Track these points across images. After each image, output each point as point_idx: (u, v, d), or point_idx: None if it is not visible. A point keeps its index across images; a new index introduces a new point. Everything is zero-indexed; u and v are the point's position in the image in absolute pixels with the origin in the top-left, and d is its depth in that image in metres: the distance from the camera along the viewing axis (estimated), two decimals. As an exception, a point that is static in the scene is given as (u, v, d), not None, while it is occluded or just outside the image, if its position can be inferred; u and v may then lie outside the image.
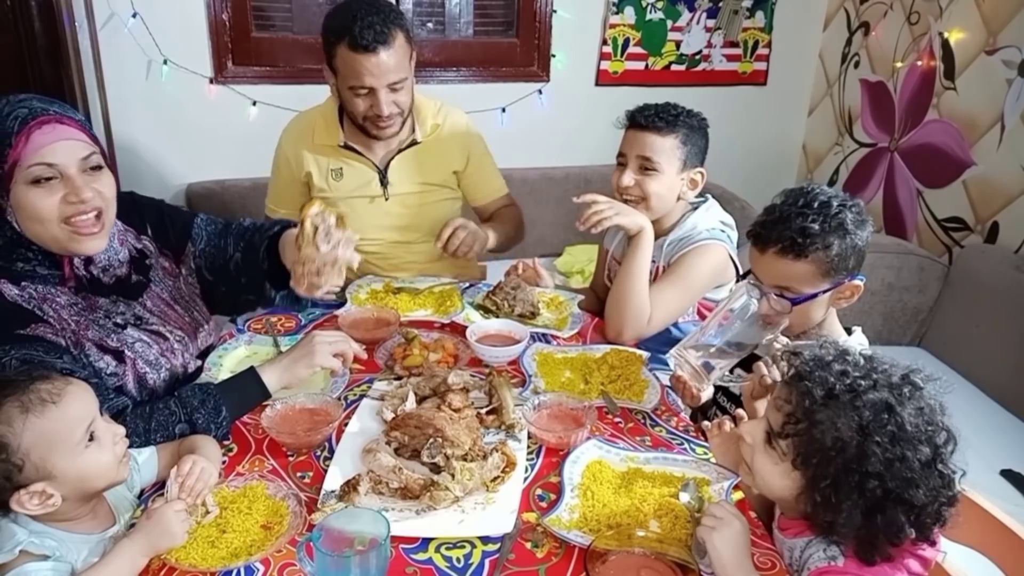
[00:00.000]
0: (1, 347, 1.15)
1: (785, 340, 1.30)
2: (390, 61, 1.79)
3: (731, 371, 1.39)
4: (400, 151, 2.01)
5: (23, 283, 1.23)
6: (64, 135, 1.20)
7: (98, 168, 1.25)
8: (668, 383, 1.48)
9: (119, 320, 1.34)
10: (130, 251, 1.42)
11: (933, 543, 0.97)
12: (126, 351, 1.32)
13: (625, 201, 1.74)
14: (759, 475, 1.04)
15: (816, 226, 1.29)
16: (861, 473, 0.92)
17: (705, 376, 1.32)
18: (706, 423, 1.25)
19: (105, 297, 1.34)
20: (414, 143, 2.01)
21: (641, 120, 1.72)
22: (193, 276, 1.55)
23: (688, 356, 1.32)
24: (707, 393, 1.36)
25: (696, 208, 1.80)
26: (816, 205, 1.31)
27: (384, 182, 2.01)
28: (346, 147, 1.98)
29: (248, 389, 1.33)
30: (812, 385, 0.96)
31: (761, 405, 1.32)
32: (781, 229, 1.31)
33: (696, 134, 1.73)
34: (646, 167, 1.72)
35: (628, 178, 1.73)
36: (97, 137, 1.29)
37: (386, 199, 2.03)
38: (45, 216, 1.20)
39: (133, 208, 1.47)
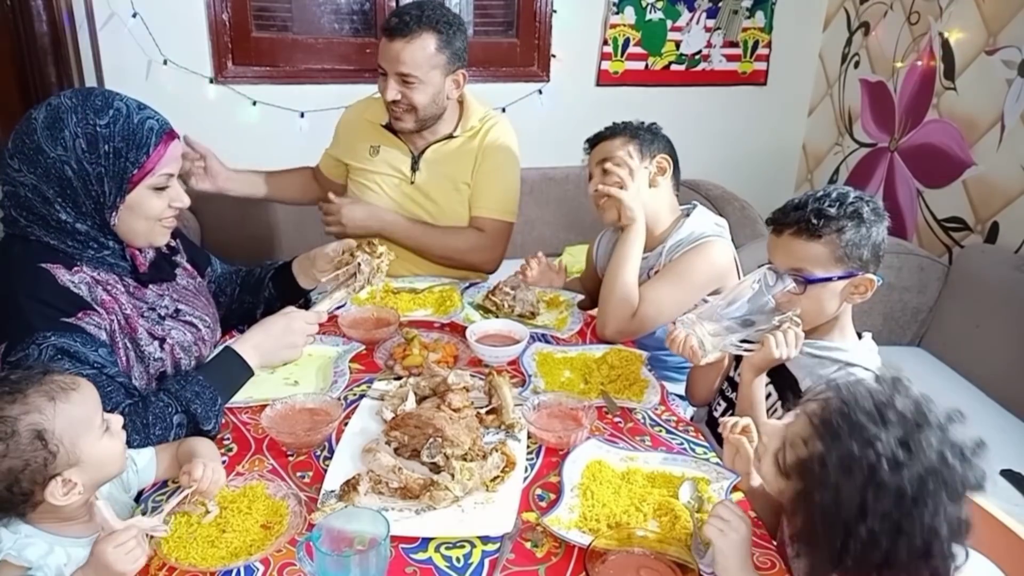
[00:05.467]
0: (43, 333, 1.18)
1: (796, 319, 1.34)
2: (403, 53, 1.89)
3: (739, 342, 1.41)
4: (436, 142, 2.08)
5: (75, 267, 1.27)
6: (180, 149, 1.37)
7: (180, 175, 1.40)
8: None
9: (161, 312, 1.41)
10: (159, 248, 1.48)
11: None
12: (167, 338, 1.40)
13: (598, 207, 1.82)
14: (763, 473, 1.05)
15: (832, 211, 1.35)
16: (843, 537, 0.89)
17: (707, 346, 1.35)
18: (725, 418, 1.25)
19: (149, 290, 1.41)
20: (451, 136, 2.08)
21: (592, 138, 1.85)
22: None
23: (690, 322, 1.36)
24: (708, 359, 1.39)
25: (689, 214, 1.83)
26: (835, 195, 1.38)
27: (415, 167, 2.08)
28: (387, 127, 2.08)
29: (234, 373, 1.36)
30: (833, 448, 0.91)
31: (759, 381, 1.36)
32: (799, 213, 1.38)
33: (646, 132, 1.81)
34: (607, 171, 1.78)
35: (595, 183, 1.82)
36: None
37: (411, 183, 2.09)
38: (153, 216, 1.33)
39: None
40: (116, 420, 1.06)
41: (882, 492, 0.87)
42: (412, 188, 2.09)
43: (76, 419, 0.98)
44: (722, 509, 1.04)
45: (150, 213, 1.32)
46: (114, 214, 1.29)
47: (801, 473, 0.95)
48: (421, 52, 1.89)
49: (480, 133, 2.10)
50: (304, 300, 1.72)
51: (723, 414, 1.58)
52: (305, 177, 2.31)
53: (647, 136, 1.80)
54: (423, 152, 2.08)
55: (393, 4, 2.90)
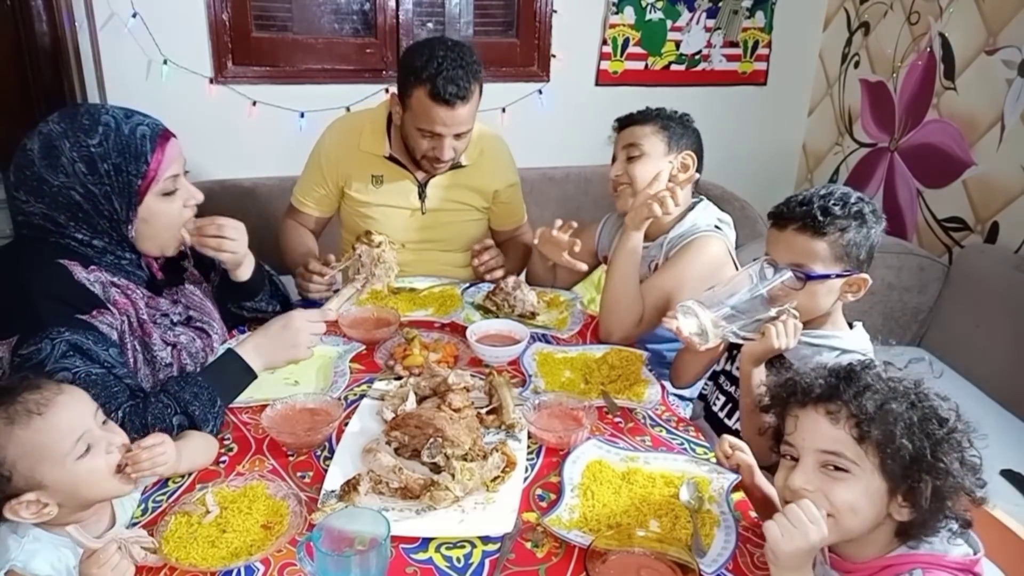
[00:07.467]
0: (56, 328, 1.18)
1: (793, 311, 1.35)
2: (464, 114, 1.83)
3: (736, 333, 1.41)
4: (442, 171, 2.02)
5: (92, 266, 1.27)
6: (179, 148, 1.34)
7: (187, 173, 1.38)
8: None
9: (174, 319, 1.42)
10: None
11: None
12: (176, 344, 1.40)
13: (615, 191, 1.81)
14: (847, 508, 0.96)
15: (837, 209, 1.37)
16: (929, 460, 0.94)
17: (709, 333, 1.35)
18: (727, 438, 1.23)
19: (164, 298, 1.41)
20: (458, 166, 2.02)
21: (623, 119, 1.83)
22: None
23: (696, 308, 1.35)
24: (708, 345, 1.37)
25: (693, 207, 1.81)
26: (838, 195, 1.39)
27: (423, 196, 2.04)
28: (390, 159, 2.00)
29: (235, 376, 1.37)
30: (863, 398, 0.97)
31: (759, 371, 1.37)
32: (804, 208, 1.39)
33: (676, 124, 1.79)
34: (631, 155, 1.77)
35: (617, 167, 1.80)
36: None
37: (423, 212, 2.05)
38: (174, 222, 1.34)
39: None
40: (100, 439, 1.02)
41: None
42: (424, 217, 2.05)
43: (34, 446, 0.96)
44: (795, 512, 0.94)
45: (171, 221, 1.33)
46: (130, 227, 1.29)
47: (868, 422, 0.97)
48: (474, 106, 1.86)
49: (486, 154, 2.07)
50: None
51: (722, 408, 1.59)
52: (315, 229, 2.16)
53: (677, 128, 1.77)
54: (428, 181, 2.02)
55: (393, 4, 2.90)
